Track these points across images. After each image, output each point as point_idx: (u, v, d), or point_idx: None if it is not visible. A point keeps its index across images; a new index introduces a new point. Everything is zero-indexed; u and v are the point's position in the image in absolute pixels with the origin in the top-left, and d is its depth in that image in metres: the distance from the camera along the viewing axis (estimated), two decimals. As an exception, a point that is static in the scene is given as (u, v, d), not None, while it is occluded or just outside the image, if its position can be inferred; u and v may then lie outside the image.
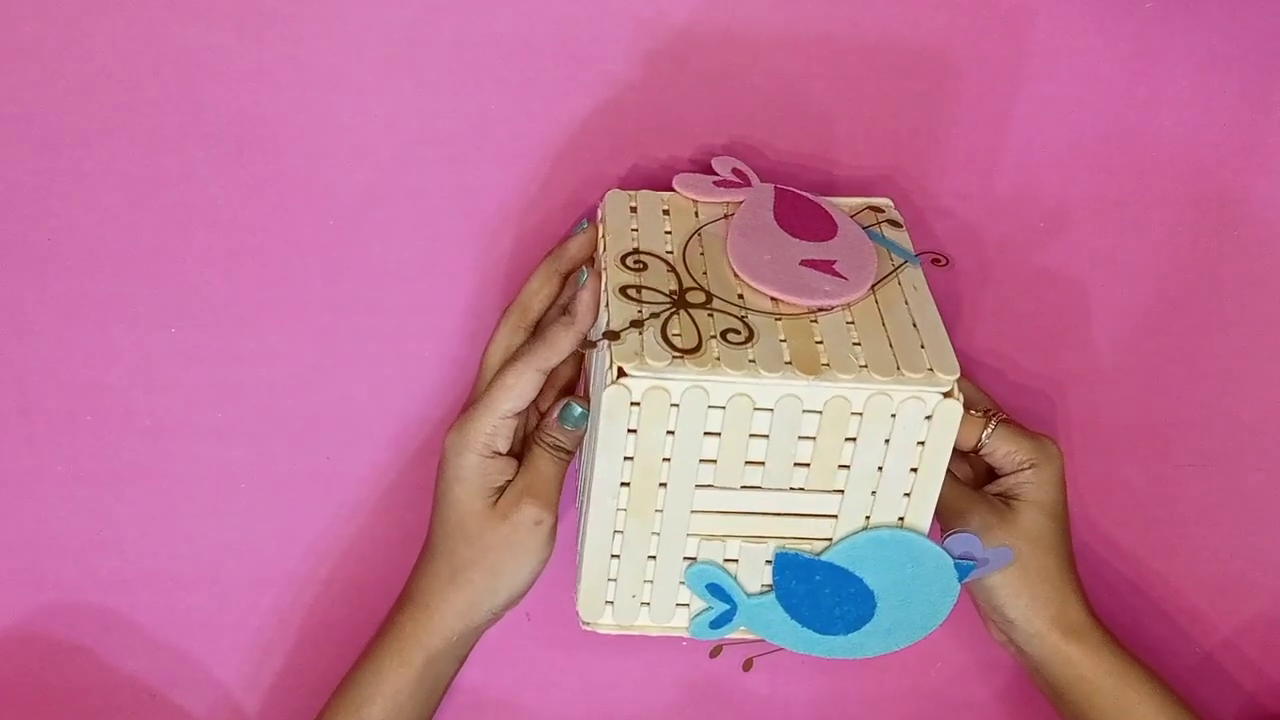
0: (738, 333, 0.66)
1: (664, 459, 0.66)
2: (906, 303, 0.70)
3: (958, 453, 0.79)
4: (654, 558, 0.69)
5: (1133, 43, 0.79)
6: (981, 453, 0.77)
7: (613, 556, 0.69)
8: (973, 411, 0.76)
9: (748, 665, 0.75)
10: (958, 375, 0.65)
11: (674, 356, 0.64)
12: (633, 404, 0.64)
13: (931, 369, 0.65)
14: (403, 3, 0.75)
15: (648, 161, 0.79)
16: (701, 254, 0.71)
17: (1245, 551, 0.88)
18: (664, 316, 0.66)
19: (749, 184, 0.76)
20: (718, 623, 0.71)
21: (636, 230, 0.72)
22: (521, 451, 0.75)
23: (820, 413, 0.65)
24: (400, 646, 0.75)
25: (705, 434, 0.65)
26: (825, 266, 0.70)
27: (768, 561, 0.69)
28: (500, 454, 0.73)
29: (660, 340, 0.65)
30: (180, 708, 0.86)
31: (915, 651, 0.89)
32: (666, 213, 0.74)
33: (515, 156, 0.78)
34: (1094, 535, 0.87)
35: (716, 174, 0.76)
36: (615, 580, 0.70)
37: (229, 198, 0.77)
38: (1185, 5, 0.78)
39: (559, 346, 0.72)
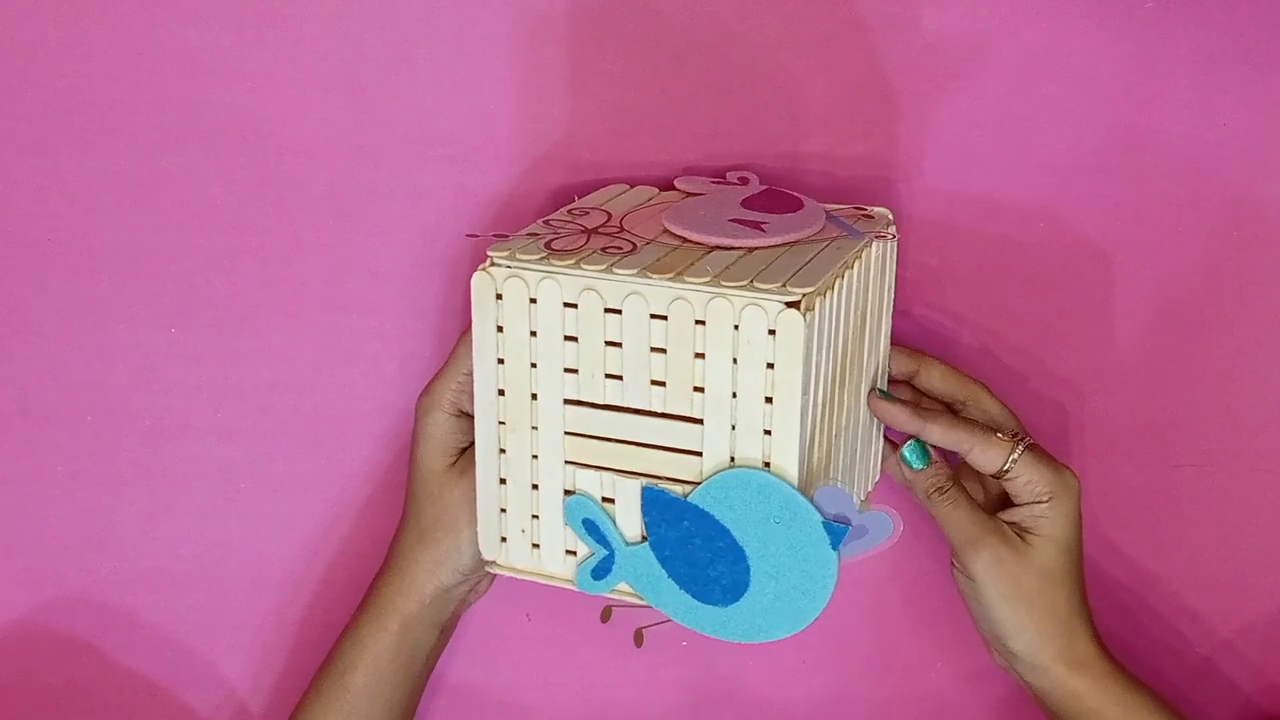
0: (619, 249, 0.66)
1: (531, 364, 0.67)
2: (814, 256, 0.67)
3: (974, 473, 0.78)
4: (536, 487, 0.69)
5: (1133, 43, 0.78)
6: (1005, 479, 0.74)
7: (500, 481, 0.69)
8: (1000, 435, 0.74)
9: (638, 639, 0.74)
10: (811, 290, 0.62)
11: (543, 256, 0.65)
12: (497, 296, 0.66)
13: (785, 285, 0.63)
14: (403, 3, 0.75)
15: (648, 161, 0.79)
16: (648, 216, 0.71)
17: (1245, 552, 0.88)
18: (564, 235, 0.68)
19: (747, 184, 0.76)
20: (599, 571, 0.69)
21: (616, 199, 0.73)
22: None
23: (666, 318, 0.64)
24: (378, 612, 0.76)
25: (566, 339, 0.66)
26: (752, 224, 0.70)
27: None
28: (466, 414, 0.74)
29: (541, 245, 0.66)
30: (183, 706, 0.86)
31: (915, 654, 0.89)
32: (652, 201, 0.74)
33: (515, 156, 0.78)
34: (1094, 536, 0.87)
35: (724, 179, 0.76)
36: (505, 511, 0.70)
37: (229, 198, 0.77)
38: (1185, 5, 0.78)
39: None
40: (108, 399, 0.80)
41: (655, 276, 0.64)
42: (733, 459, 0.65)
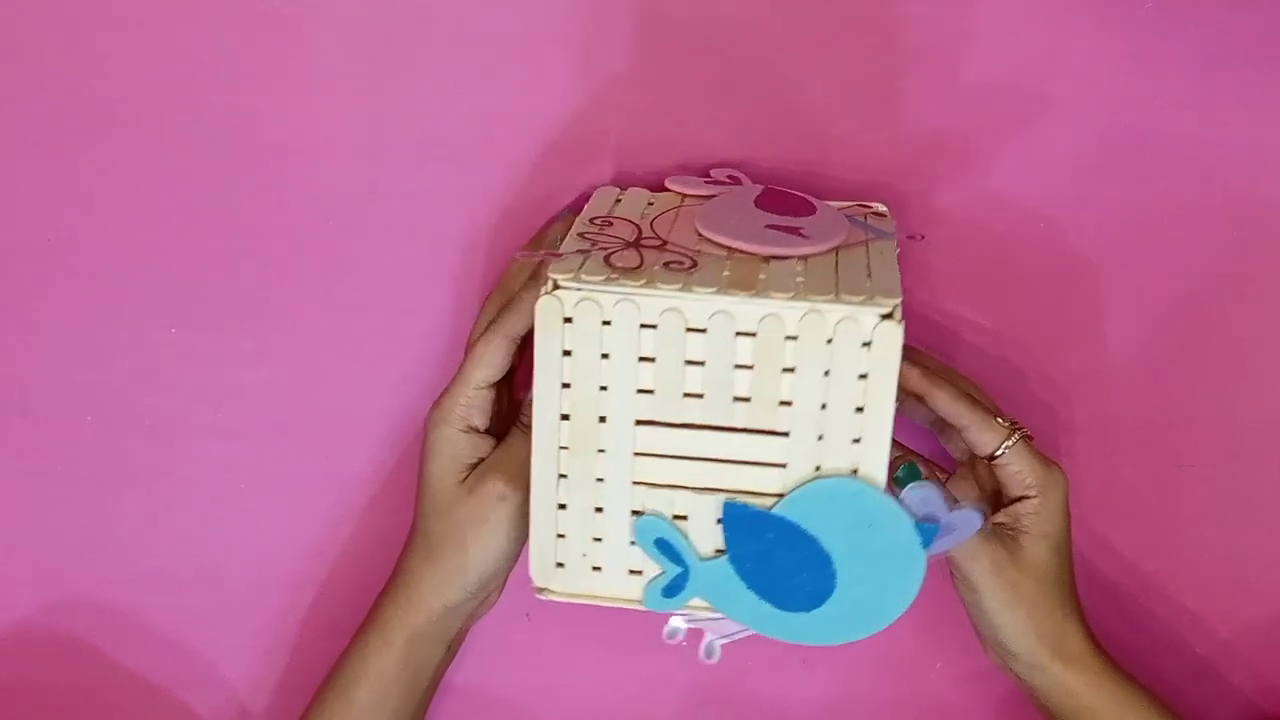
0: (680, 264, 0.65)
1: (601, 388, 0.65)
2: (868, 260, 0.68)
3: (967, 465, 0.79)
4: (601, 510, 0.68)
5: (1133, 43, 0.78)
6: (995, 463, 0.75)
7: (559, 507, 0.68)
8: (999, 419, 0.74)
9: (710, 652, 0.72)
10: (899, 300, 0.63)
11: (610, 275, 0.64)
12: (565, 320, 0.64)
13: (873, 295, 0.63)
14: (402, 3, 0.75)
15: (648, 161, 0.79)
16: (673, 223, 0.71)
17: (1245, 552, 0.88)
18: (612, 250, 0.66)
19: (740, 184, 0.76)
20: (671, 589, 0.68)
21: (620, 202, 0.73)
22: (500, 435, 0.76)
23: (754, 335, 0.64)
24: (383, 628, 0.76)
25: (640, 359, 0.64)
26: (790, 230, 0.69)
27: (719, 521, 0.67)
28: (476, 430, 0.74)
29: (602, 263, 0.65)
30: (183, 706, 0.86)
31: (916, 654, 0.89)
32: (651, 204, 0.74)
33: (515, 156, 0.78)
34: (1093, 536, 0.87)
35: (710, 177, 0.76)
36: (564, 536, 0.68)
37: (229, 198, 0.77)
38: (1185, 5, 0.78)
39: (525, 311, 0.72)
40: (108, 399, 0.80)
41: (740, 294, 0.63)
42: (817, 468, 0.65)
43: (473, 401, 0.73)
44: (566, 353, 0.65)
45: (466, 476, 0.74)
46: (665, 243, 0.68)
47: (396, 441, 0.83)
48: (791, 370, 0.64)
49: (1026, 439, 0.75)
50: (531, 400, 0.71)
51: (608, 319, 0.64)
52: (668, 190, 0.75)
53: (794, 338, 0.63)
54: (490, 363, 0.73)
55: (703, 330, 0.64)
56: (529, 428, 0.71)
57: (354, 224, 0.78)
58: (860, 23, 0.77)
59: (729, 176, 0.76)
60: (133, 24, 0.73)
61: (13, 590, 0.83)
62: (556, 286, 0.64)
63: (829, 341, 0.63)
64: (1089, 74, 0.79)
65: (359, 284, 0.79)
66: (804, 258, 0.67)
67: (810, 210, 0.73)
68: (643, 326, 0.64)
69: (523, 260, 0.75)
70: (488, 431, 0.75)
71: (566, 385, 0.65)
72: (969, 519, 0.67)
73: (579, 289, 0.64)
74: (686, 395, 0.65)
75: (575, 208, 0.75)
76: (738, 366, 0.64)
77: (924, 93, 0.79)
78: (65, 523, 0.82)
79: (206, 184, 0.76)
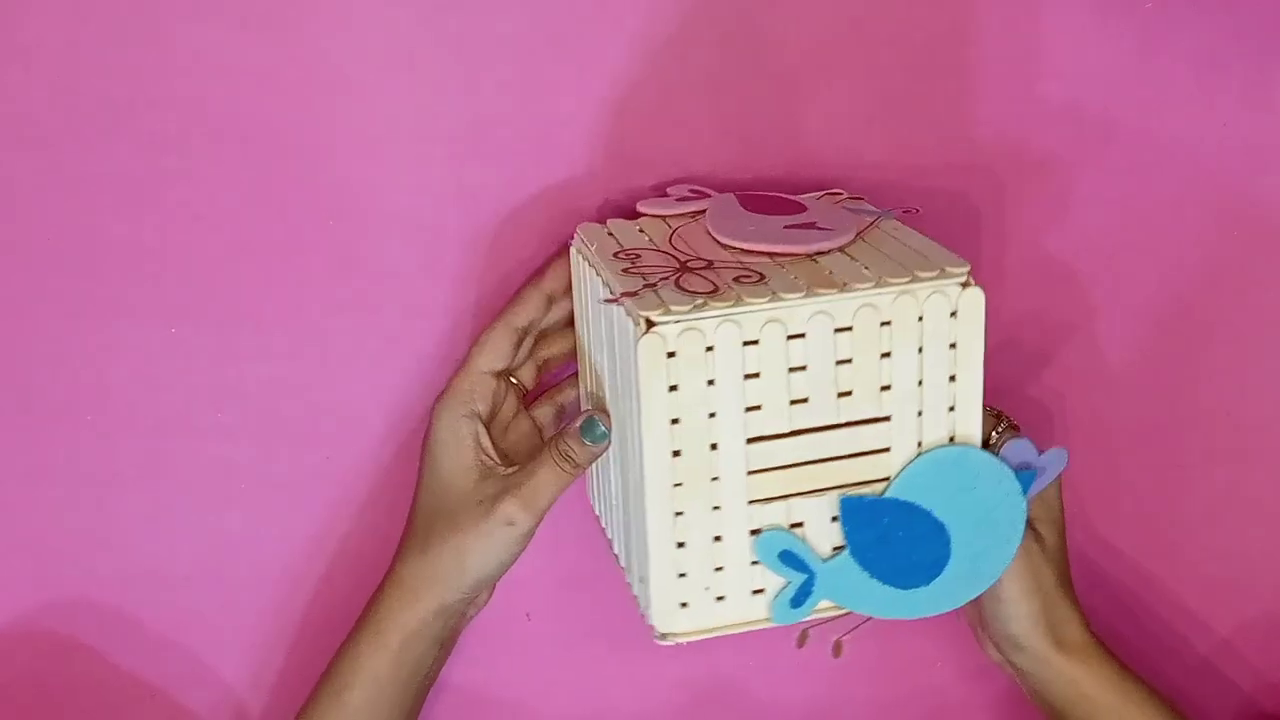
0: (749, 277, 0.65)
1: (710, 415, 0.64)
2: (895, 238, 0.70)
3: None
4: (719, 539, 0.67)
5: (1133, 43, 0.79)
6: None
7: (678, 546, 0.67)
8: (988, 409, 0.75)
9: (837, 650, 0.72)
10: (969, 266, 0.66)
11: (695, 302, 0.63)
12: (669, 355, 0.63)
13: (943, 267, 0.65)
14: (403, 3, 0.75)
15: (648, 161, 0.79)
16: (686, 243, 0.71)
17: (1245, 551, 0.88)
18: (672, 278, 0.66)
19: (708, 194, 0.76)
20: (798, 598, 0.68)
21: (614, 236, 0.73)
22: (517, 454, 0.76)
23: (851, 329, 0.64)
24: (377, 628, 0.75)
25: (746, 377, 0.64)
26: (808, 226, 0.70)
27: (833, 519, 0.67)
28: (480, 416, 0.74)
29: (678, 292, 0.64)
30: (181, 706, 0.86)
31: (914, 654, 0.89)
32: (641, 231, 0.74)
33: (515, 156, 0.78)
34: (1094, 535, 0.87)
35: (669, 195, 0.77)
36: (685, 575, 0.67)
37: (229, 198, 0.77)
38: (1185, 5, 0.78)
39: (527, 304, 0.75)
40: (108, 399, 0.80)
41: (831, 292, 0.64)
42: (919, 445, 0.67)
43: (476, 386, 0.74)
44: (672, 388, 0.64)
45: (476, 480, 0.74)
46: (710, 262, 0.68)
47: (396, 441, 0.83)
48: (888, 355, 0.65)
49: (1013, 428, 0.75)
50: (575, 428, 0.71)
51: (710, 344, 0.63)
52: (644, 215, 0.75)
53: (888, 323, 0.65)
54: (494, 349, 0.74)
55: (801, 335, 0.64)
56: (563, 457, 0.71)
57: (354, 223, 0.78)
58: (857, 23, 0.77)
59: (691, 191, 0.77)
60: (133, 24, 0.73)
61: (12, 589, 0.83)
62: (651, 325, 0.63)
63: (920, 319, 0.65)
64: (1089, 74, 0.79)
65: (359, 283, 0.79)
66: (844, 249, 0.68)
67: (800, 206, 0.73)
68: (745, 344, 0.64)
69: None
70: (489, 427, 0.75)
71: (675, 421, 0.64)
72: (1058, 458, 0.70)
73: (678, 321, 0.63)
74: (793, 403, 0.65)
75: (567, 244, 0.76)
76: (838, 363, 0.65)
77: (922, 92, 0.79)
78: (65, 522, 0.82)
79: (206, 184, 0.76)
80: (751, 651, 0.88)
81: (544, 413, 0.80)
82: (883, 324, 0.65)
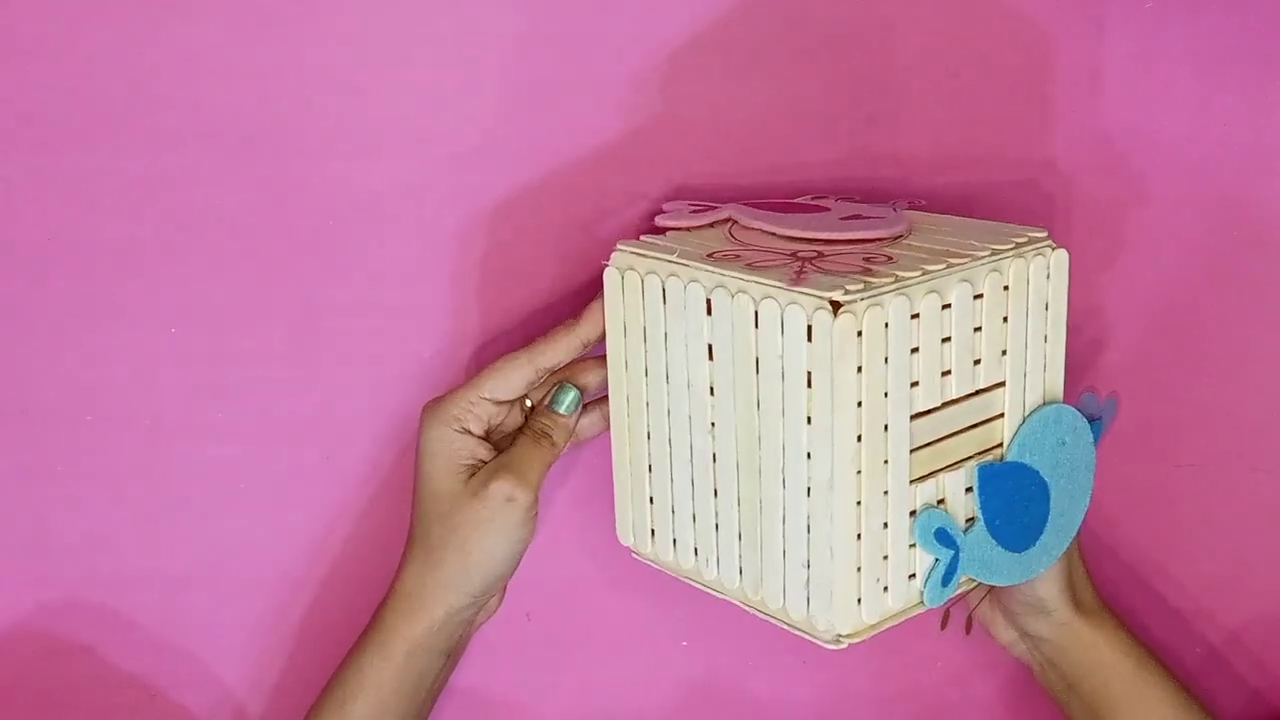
0: (876, 259, 0.66)
1: (884, 395, 0.64)
2: (943, 225, 0.72)
3: None
4: (887, 525, 0.65)
5: (1133, 43, 0.79)
6: None
7: (857, 538, 0.64)
8: None
9: (970, 626, 0.72)
10: (1047, 231, 0.68)
11: (864, 284, 0.62)
12: (858, 334, 0.62)
13: (1029, 236, 0.68)
14: (403, 3, 0.75)
15: (648, 160, 0.79)
16: (756, 242, 0.70)
17: (1245, 551, 0.88)
18: (803, 268, 0.65)
19: (717, 206, 0.75)
20: (947, 576, 0.67)
21: (668, 246, 0.70)
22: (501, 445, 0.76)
23: (981, 296, 0.66)
24: (383, 640, 0.75)
25: (911, 351, 0.64)
26: (856, 217, 0.72)
27: (967, 490, 0.67)
28: (470, 433, 0.74)
29: (822, 273, 0.64)
30: (181, 707, 0.86)
31: (914, 651, 0.89)
32: (688, 240, 0.72)
33: (515, 156, 0.78)
34: (1096, 533, 0.87)
35: (666, 210, 0.76)
36: (861, 569, 0.65)
37: (229, 198, 0.77)
38: (1185, 5, 0.78)
39: (556, 346, 0.73)
40: (108, 399, 0.80)
41: (964, 260, 0.65)
42: (1024, 406, 0.69)
43: (473, 408, 0.73)
44: (859, 370, 0.62)
45: (468, 479, 0.73)
46: (820, 253, 0.68)
47: (395, 441, 0.83)
48: (1006, 320, 0.67)
49: None
50: (545, 404, 0.71)
51: (889, 320, 0.63)
52: (669, 229, 0.73)
53: (1008, 288, 0.67)
54: (508, 379, 0.73)
55: (949, 305, 0.65)
56: (539, 433, 0.72)
57: (353, 224, 0.78)
58: (856, 23, 0.77)
59: (692, 206, 0.76)
60: (133, 24, 0.73)
61: (11, 590, 0.83)
62: (838, 305, 0.61)
63: (1028, 282, 0.67)
64: (1089, 74, 0.79)
65: (358, 284, 0.79)
66: (908, 232, 0.70)
67: (818, 206, 0.74)
68: (911, 317, 0.64)
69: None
70: (483, 441, 0.75)
71: (859, 405, 0.63)
72: (1112, 407, 0.72)
73: (862, 298, 0.62)
74: (943, 374, 0.66)
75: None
76: (975, 330, 0.66)
77: (923, 92, 0.79)
78: (64, 523, 0.82)
79: (206, 184, 0.76)
80: (752, 651, 0.88)
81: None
82: (1004, 289, 0.67)
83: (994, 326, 0.67)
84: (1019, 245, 0.67)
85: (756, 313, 0.64)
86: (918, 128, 0.80)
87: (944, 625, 0.72)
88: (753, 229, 0.72)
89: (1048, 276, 0.68)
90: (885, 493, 0.65)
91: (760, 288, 0.64)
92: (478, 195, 0.78)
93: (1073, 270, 0.82)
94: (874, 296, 0.62)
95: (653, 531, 0.74)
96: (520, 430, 0.75)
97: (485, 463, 0.74)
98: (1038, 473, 0.69)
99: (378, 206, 0.78)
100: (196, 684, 0.86)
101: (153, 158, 0.76)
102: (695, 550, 0.71)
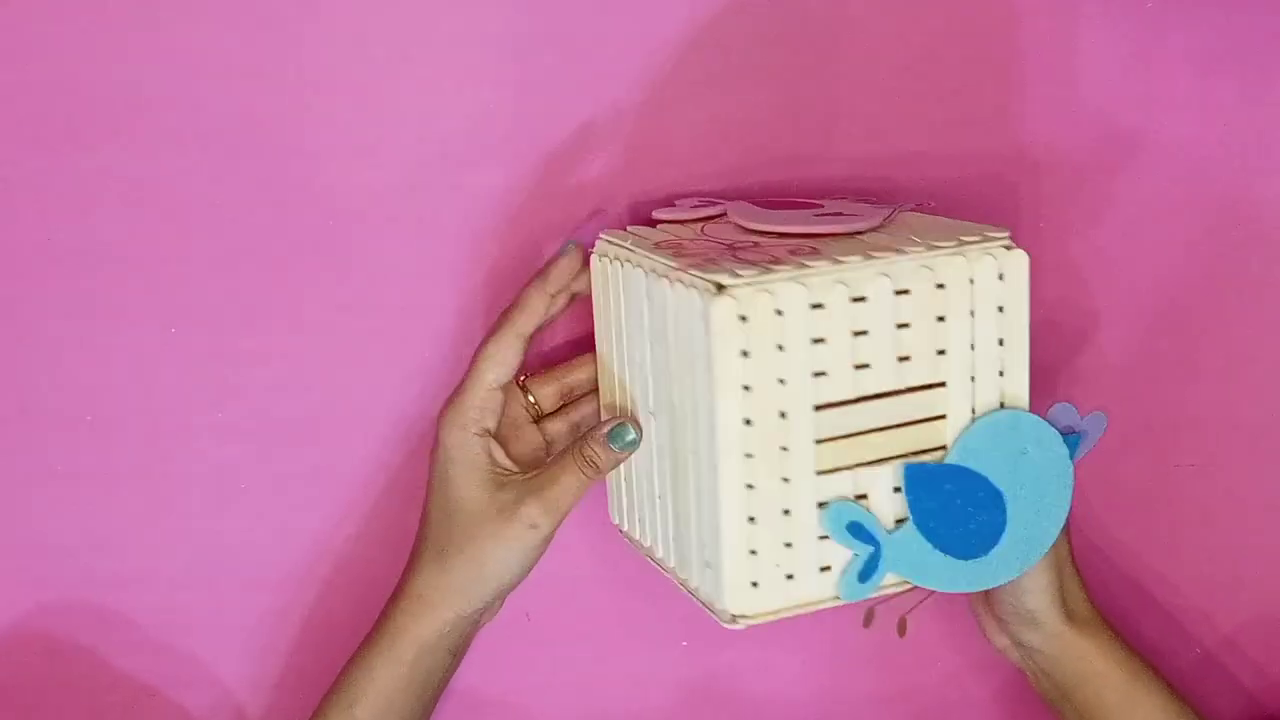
0: (802, 250, 0.66)
1: (779, 381, 0.64)
2: (922, 222, 0.71)
3: None
4: (788, 513, 0.66)
5: (1133, 43, 0.79)
6: None
7: (749, 520, 0.65)
8: None
9: (902, 628, 0.71)
10: (1009, 231, 0.67)
11: (759, 270, 0.63)
12: (740, 318, 0.63)
13: (983, 233, 0.67)
14: (403, 3, 0.75)
15: (648, 160, 0.79)
16: (720, 236, 0.71)
17: (1245, 551, 0.88)
18: (721, 256, 0.66)
19: (718, 203, 0.76)
20: (866, 572, 0.67)
21: (643, 238, 0.72)
22: (530, 456, 0.76)
23: (909, 291, 0.65)
24: (391, 641, 0.75)
25: (813, 341, 0.64)
26: (835, 214, 0.71)
27: (895, 490, 0.67)
28: (490, 432, 0.74)
29: (736, 261, 0.64)
30: (181, 707, 0.86)
31: (913, 652, 0.89)
32: (666, 232, 0.74)
33: (515, 156, 0.78)
34: (1094, 534, 0.87)
35: (676, 205, 0.77)
36: (756, 552, 0.66)
37: (229, 198, 0.77)
38: (1185, 5, 0.78)
39: (533, 306, 0.73)
40: (107, 400, 0.80)
41: (888, 254, 0.64)
42: (973, 410, 0.67)
43: (485, 403, 0.73)
44: (744, 354, 0.63)
45: (494, 490, 0.73)
46: (757, 243, 0.68)
47: (396, 441, 0.83)
48: (943, 319, 0.66)
49: None
50: (603, 434, 0.71)
51: (780, 308, 0.63)
52: (662, 222, 0.75)
53: (942, 286, 0.65)
54: (502, 361, 0.73)
55: (864, 299, 0.64)
56: (587, 461, 0.71)
57: (354, 224, 0.78)
58: (856, 23, 0.77)
59: (700, 201, 0.77)
60: (133, 24, 0.73)
61: (10, 590, 0.83)
62: (722, 288, 0.63)
63: (971, 281, 0.66)
64: (1089, 74, 0.79)
65: (359, 284, 0.79)
66: (877, 229, 0.70)
67: (816, 204, 0.74)
68: (812, 307, 0.64)
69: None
70: (496, 435, 0.75)
71: (746, 388, 0.64)
72: (1098, 421, 0.70)
73: (748, 284, 0.63)
74: (857, 368, 0.65)
75: (579, 237, 0.76)
76: (899, 326, 0.65)
77: (922, 92, 0.79)
78: (63, 522, 0.82)
79: (206, 184, 0.76)
80: (752, 651, 0.88)
81: (555, 428, 0.79)
82: (937, 286, 0.65)
83: (925, 324, 0.66)
84: (964, 243, 0.66)
85: (668, 296, 0.66)
86: (915, 127, 0.80)
87: (867, 623, 0.70)
88: (728, 224, 0.73)
89: (1000, 277, 0.66)
90: (785, 480, 0.65)
91: (673, 272, 0.65)
92: (477, 195, 0.78)
93: (1073, 270, 0.82)
94: (766, 283, 0.62)
95: (626, 509, 0.76)
96: (565, 451, 0.73)
97: (506, 470, 0.74)
98: (987, 479, 0.67)
99: (378, 206, 0.78)
100: (196, 684, 0.86)
101: (153, 158, 0.76)
102: (648, 527, 0.73)
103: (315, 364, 0.81)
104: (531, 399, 0.77)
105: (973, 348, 0.66)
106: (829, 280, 0.64)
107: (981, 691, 0.90)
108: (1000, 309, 0.66)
